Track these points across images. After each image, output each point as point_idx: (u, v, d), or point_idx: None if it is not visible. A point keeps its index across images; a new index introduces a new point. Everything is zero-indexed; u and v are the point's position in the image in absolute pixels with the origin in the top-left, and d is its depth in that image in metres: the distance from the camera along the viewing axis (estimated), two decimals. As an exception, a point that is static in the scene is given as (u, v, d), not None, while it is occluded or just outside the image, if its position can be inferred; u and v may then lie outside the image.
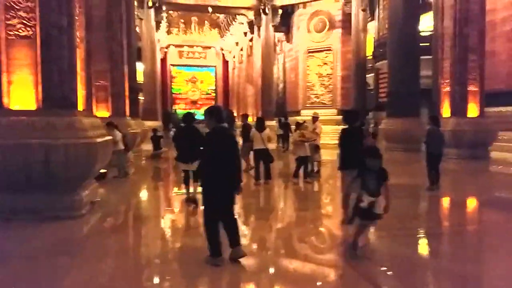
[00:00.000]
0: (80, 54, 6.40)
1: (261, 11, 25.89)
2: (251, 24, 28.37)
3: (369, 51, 22.59)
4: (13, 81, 5.47)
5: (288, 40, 28.10)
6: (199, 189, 4.14)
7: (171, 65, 38.06)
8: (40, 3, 5.46)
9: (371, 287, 3.58)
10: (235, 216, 4.12)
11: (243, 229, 5.61)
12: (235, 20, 31.90)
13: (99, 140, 6.04)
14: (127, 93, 12.14)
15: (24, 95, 5.57)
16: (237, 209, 6.81)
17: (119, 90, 11.60)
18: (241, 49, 34.03)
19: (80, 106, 6.26)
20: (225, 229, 4.03)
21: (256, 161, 8.64)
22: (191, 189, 6.85)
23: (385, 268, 3.95)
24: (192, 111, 34.16)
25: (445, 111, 13.51)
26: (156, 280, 3.83)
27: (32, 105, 5.59)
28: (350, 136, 5.53)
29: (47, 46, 5.53)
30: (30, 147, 5.35)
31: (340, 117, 22.26)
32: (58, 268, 3.96)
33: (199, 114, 27.32)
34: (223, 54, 39.37)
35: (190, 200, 6.72)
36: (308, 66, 25.30)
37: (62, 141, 5.51)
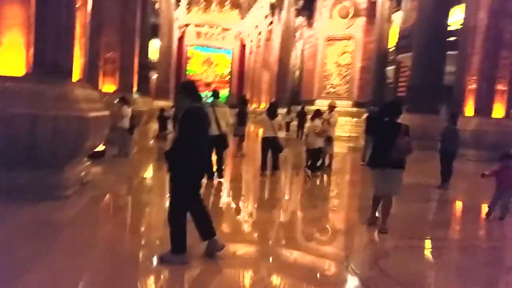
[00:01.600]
0: (81, 18, 5.80)
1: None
2: (272, 7, 27.45)
3: (392, 42, 21.56)
4: (2, 42, 4.90)
5: (309, 25, 27.10)
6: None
7: (188, 45, 37.33)
8: (35, -45, 4.86)
9: None
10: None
11: (241, 223, 5.12)
12: (256, 1, 30.97)
13: (92, 114, 5.46)
14: (136, 68, 11.55)
15: (13, 59, 4.99)
16: (238, 200, 6.39)
17: (128, 64, 11.01)
18: (260, 33, 33.12)
19: (76, 76, 5.69)
20: (195, 220, 3.57)
21: (263, 150, 7.94)
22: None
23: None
24: (203, 93, 33.65)
25: (468, 109, 12.67)
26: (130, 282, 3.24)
27: (21, 71, 5.03)
28: (389, 131, 4.78)
29: (43, 3, 4.94)
30: (14, 117, 4.81)
31: (355, 109, 21.50)
32: (26, 256, 3.42)
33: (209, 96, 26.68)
34: (241, 37, 38.48)
35: None
36: (326, 54, 24.33)
37: (50, 112, 4.94)
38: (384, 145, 4.69)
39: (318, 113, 8.37)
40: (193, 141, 3.42)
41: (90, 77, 8.00)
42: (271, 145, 7.80)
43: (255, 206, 6.15)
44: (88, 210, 5.14)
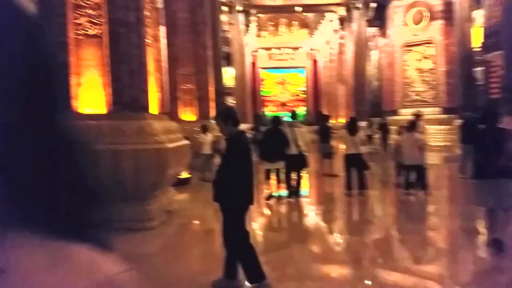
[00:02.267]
0: (153, 53, 5.93)
1: (352, 6, 24.31)
2: (341, 21, 26.87)
3: (476, 42, 19.71)
4: (81, 83, 5.12)
5: (383, 34, 25.97)
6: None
7: (260, 68, 37.91)
8: (107, -3, 5.05)
9: None
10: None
11: (332, 244, 4.66)
12: (324, 17, 30.59)
13: (171, 145, 5.45)
14: (212, 96, 11.73)
15: (93, 97, 5.20)
16: (324, 221, 5.91)
17: (204, 93, 11.23)
18: (331, 48, 32.56)
19: (154, 109, 5.76)
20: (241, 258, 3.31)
21: (347, 168, 7.33)
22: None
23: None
24: (279, 113, 33.66)
25: None
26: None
27: (101, 108, 5.19)
28: (493, 138, 4.15)
29: (115, 45, 5.09)
30: (98, 153, 4.94)
31: (446, 116, 19.79)
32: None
33: (288, 116, 26.58)
34: (312, 54, 38.19)
35: (271, 197, 7.18)
36: (405, 61, 22.97)
37: (130, 146, 5.01)
38: (489, 153, 4.03)
39: (413, 124, 7.31)
40: (236, 168, 3.20)
41: (171, 108, 8.16)
42: (354, 162, 7.21)
43: (344, 226, 5.65)
44: (175, 239, 5.05)
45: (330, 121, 28.25)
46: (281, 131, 7.10)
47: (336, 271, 3.69)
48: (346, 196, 7.20)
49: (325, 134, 9.92)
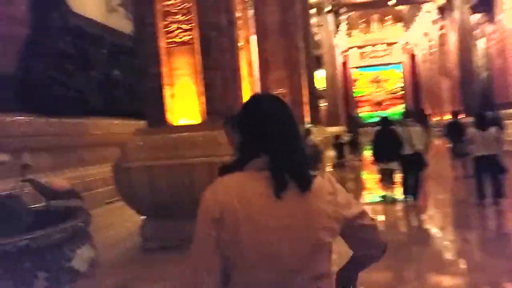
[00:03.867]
0: (246, 56, 5.46)
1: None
2: (441, 10, 24.36)
3: None
4: (174, 94, 4.80)
5: (490, 20, 22.90)
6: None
7: (352, 67, 36.25)
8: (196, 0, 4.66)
9: None
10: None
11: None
12: (421, 8, 28.12)
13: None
14: (305, 99, 11.06)
15: (186, 108, 4.85)
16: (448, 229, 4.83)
17: (297, 97, 10.61)
18: (430, 40, 29.80)
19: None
20: None
21: (477, 172, 6.04)
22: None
23: None
24: (374, 113, 31.70)
25: None
26: None
27: (195, 119, 4.82)
28: None
29: (207, 51, 4.68)
30: (194, 166, 4.56)
31: None
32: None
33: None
34: (409, 48, 35.45)
35: (386, 198, 7.03)
36: (521, 46, 19.88)
37: (226, 158, 4.54)
38: None
39: None
40: None
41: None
42: (486, 166, 5.86)
43: (470, 238, 4.56)
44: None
45: (432, 119, 25.67)
46: (393, 131, 6.76)
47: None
48: (477, 206, 5.94)
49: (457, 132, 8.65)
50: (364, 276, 1.54)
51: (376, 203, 7.16)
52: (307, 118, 11.12)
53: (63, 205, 2.39)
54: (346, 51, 34.45)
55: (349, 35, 33.33)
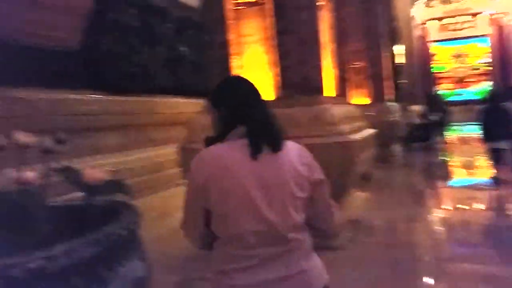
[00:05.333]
0: (327, 18, 4.56)
1: None
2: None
3: None
4: (243, 65, 4.08)
5: None
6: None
7: (431, 41, 33.05)
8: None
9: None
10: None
11: None
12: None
13: (356, 136, 4.02)
14: (386, 75, 9.81)
15: (256, 81, 4.12)
16: None
17: (377, 72, 9.42)
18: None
19: (329, 91, 4.41)
20: None
21: None
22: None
23: None
24: (456, 91, 28.91)
25: None
26: None
27: (267, 94, 4.08)
28: None
29: (280, 11, 3.88)
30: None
31: None
32: None
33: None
34: (497, 19, 31.44)
35: (497, 179, 6.52)
36: None
37: (304, 141, 3.77)
38: None
39: None
40: None
41: (339, 90, 6.76)
42: None
43: None
44: (376, 268, 3.62)
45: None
46: (503, 108, 6.35)
47: None
48: None
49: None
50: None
51: (485, 185, 6.70)
52: (390, 96, 9.90)
53: (100, 203, 1.77)
54: (424, 23, 31.46)
55: (427, 5, 30.33)
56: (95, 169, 1.57)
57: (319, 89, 4.12)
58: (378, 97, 9.21)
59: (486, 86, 29.94)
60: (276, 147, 1.38)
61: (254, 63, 4.03)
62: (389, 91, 9.94)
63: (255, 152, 1.35)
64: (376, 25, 9.43)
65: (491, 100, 6.69)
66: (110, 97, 5.86)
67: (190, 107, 7.47)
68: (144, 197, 5.28)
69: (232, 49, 4.01)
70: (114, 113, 5.88)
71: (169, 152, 6.61)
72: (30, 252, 1.29)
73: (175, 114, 7.14)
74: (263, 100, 1.53)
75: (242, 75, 1.71)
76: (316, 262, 1.49)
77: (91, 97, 5.56)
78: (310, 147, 3.37)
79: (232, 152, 1.38)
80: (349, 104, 4.94)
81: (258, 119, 1.42)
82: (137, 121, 6.32)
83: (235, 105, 1.47)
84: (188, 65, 8.12)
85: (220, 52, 4.03)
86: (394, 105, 9.84)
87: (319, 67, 4.06)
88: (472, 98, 28.30)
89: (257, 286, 1.34)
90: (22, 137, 1.63)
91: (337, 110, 4.09)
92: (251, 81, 1.59)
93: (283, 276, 1.35)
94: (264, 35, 3.93)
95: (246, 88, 1.53)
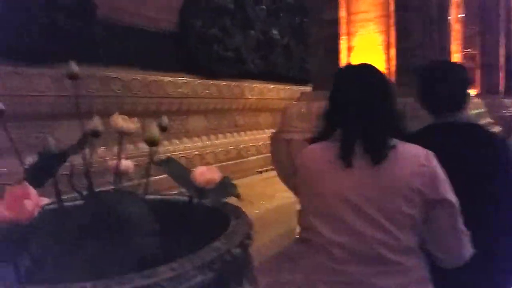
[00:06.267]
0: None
1: None
2: None
3: None
4: (353, 46, 3.53)
5: None
6: None
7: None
8: None
9: None
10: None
11: None
12: None
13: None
14: (502, 64, 8.52)
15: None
16: None
17: (491, 60, 8.20)
18: None
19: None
20: None
21: None
22: None
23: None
24: None
25: None
26: None
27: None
28: None
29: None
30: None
31: None
32: None
33: None
34: None
35: None
36: None
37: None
38: None
39: None
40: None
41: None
42: None
43: None
44: None
45: None
46: None
47: None
48: None
49: None
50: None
51: None
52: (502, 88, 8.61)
53: (209, 207, 1.43)
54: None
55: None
56: (207, 168, 1.20)
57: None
58: (489, 88, 8.03)
59: None
60: (375, 157, 1.19)
61: (367, 44, 3.48)
62: (503, 82, 8.64)
63: (343, 158, 1.21)
64: (494, 8, 8.16)
65: None
66: (201, 81, 5.69)
67: (277, 93, 7.10)
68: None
69: (342, 27, 3.50)
70: (203, 97, 5.71)
71: (253, 138, 6.38)
72: (129, 275, 0.97)
73: (263, 100, 6.81)
74: (378, 96, 1.27)
75: (369, 64, 1.39)
76: None
77: (182, 79, 5.43)
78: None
79: (325, 152, 1.27)
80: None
81: (354, 120, 1.24)
82: (225, 106, 6.11)
83: (337, 101, 1.31)
84: (279, 49, 7.71)
85: (327, 31, 3.54)
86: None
87: (446, 50, 3.38)
88: None
89: None
90: (122, 122, 1.32)
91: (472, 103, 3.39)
92: (377, 71, 1.33)
93: None
94: (382, 12, 3.36)
95: (350, 79, 1.32)
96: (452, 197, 1.20)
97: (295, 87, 7.13)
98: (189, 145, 5.27)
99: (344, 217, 1.19)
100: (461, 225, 1.22)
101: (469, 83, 1.77)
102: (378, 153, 1.19)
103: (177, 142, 5.23)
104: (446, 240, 1.22)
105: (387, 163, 1.18)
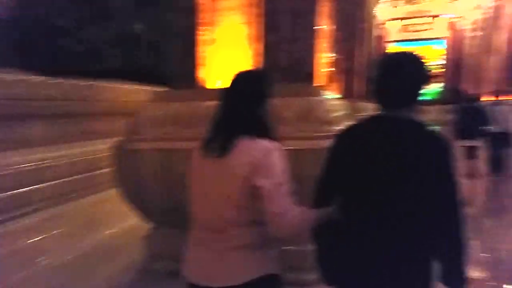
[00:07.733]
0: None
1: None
2: (498, -22, 21.33)
3: None
4: (214, 39, 3.01)
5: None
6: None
7: (389, 41, 33.22)
8: None
9: None
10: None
11: None
12: (473, -23, 24.98)
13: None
14: (360, 69, 9.05)
15: (231, 62, 3.07)
16: None
17: (351, 65, 8.65)
18: (484, 13, 26.60)
19: (319, 79, 3.46)
20: None
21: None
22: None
23: None
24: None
25: None
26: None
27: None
28: None
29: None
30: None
31: None
32: None
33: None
34: (454, 22, 32.11)
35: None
36: None
37: (291, 144, 2.79)
38: None
39: None
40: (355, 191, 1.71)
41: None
42: None
43: None
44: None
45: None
46: (477, 108, 6.93)
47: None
48: None
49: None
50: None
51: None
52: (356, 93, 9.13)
53: None
54: (383, 23, 31.55)
55: (393, 5, 30.40)
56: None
57: (310, 76, 3.14)
58: (348, 93, 8.44)
59: (437, 87, 30.60)
60: (219, 150, 1.50)
61: (230, 37, 2.98)
62: (361, 87, 9.18)
63: (203, 153, 1.58)
64: (354, 12, 8.61)
65: (462, 101, 7.12)
66: (40, 79, 4.60)
67: (144, 94, 6.28)
68: (72, 201, 4.20)
69: (201, 17, 2.93)
70: (44, 99, 4.62)
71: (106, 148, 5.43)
72: None
73: (119, 103, 5.84)
74: (234, 95, 1.56)
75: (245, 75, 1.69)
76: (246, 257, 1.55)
77: (17, 77, 4.29)
78: (295, 153, 2.40)
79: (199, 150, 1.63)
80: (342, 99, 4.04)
81: (220, 116, 1.57)
82: (71, 109, 5.06)
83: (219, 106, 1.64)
84: (143, 46, 6.91)
85: (185, 21, 2.93)
86: (363, 103, 9.12)
87: (313, 46, 3.07)
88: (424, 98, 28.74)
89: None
90: None
91: (333, 105, 3.15)
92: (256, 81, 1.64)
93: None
94: (245, 1, 2.89)
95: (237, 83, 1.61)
96: (265, 183, 1.43)
97: (162, 88, 6.39)
98: (20, 158, 4.16)
99: (201, 197, 1.56)
100: (279, 203, 1.44)
101: (424, 81, 1.65)
102: (221, 149, 1.48)
103: (7, 154, 4.10)
104: (269, 220, 1.47)
105: (229, 156, 1.47)
